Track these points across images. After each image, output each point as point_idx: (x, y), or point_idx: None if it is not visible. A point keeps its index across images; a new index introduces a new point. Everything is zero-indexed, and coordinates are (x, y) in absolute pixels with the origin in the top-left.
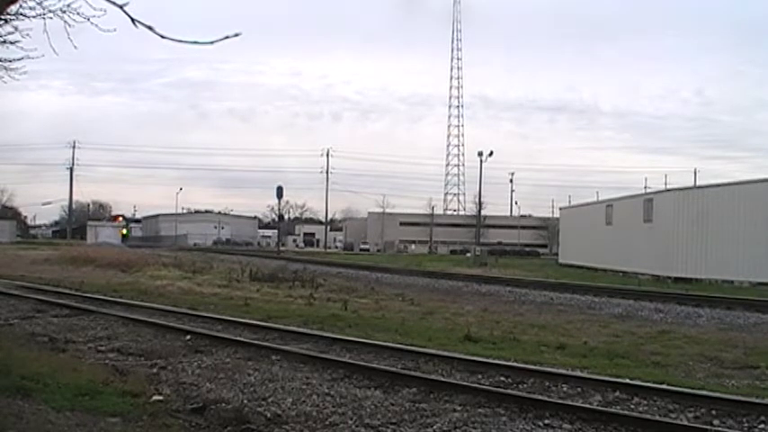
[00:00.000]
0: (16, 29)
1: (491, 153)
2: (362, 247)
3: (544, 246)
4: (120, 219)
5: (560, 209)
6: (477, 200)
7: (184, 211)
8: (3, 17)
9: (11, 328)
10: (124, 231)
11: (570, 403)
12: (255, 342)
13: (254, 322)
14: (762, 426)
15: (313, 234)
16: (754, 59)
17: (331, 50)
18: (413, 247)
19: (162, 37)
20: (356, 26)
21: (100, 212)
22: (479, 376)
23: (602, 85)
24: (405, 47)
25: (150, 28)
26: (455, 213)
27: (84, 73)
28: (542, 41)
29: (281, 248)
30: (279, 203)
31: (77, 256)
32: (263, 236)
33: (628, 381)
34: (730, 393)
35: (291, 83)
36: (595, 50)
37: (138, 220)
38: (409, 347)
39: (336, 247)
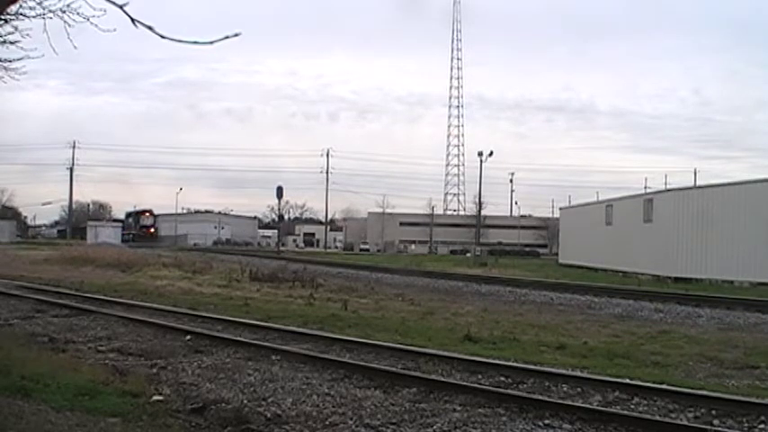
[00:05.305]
0: (16, 29)
1: (491, 153)
2: (362, 247)
3: (544, 246)
4: (148, 214)
5: (560, 209)
6: (477, 200)
7: (184, 211)
8: (3, 17)
9: (11, 328)
10: (152, 230)
11: (570, 403)
12: (255, 342)
13: (254, 322)
14: (762, 426)
15: (313, 234)
16: (752, 59)
17: (327, 50)
18: (413, 247)
19: (162, 37)
20: (352, 26)
21: (100, 212)
22: (479, 376)
23: (599, 85)
24: (400, 46)
25: (150, 28)
26: (455, 213)
27: (80, 72)
28: (539, 41)
29: (281, 248)
30: (279, 203)
31: (77, 256)
32: (263, 236)
33: (628, 381)
34: (730, 393)
35: (288, 82)
36: (592, 50)
37: None
38: (409, 347)
39: (336, 247)
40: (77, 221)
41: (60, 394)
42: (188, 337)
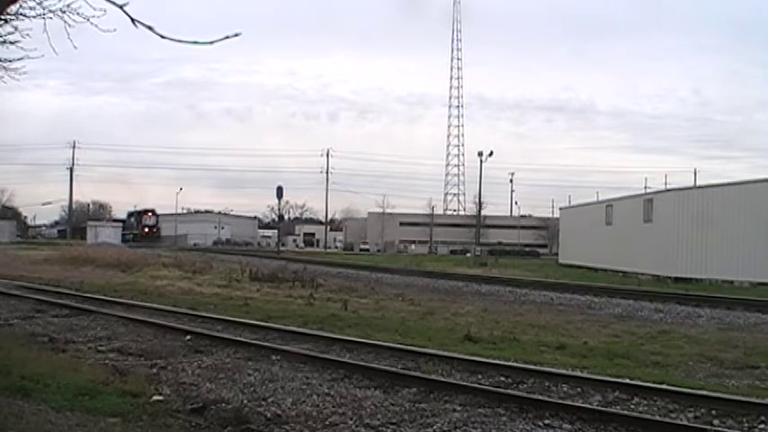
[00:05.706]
0: (16, 29)
1: (491, 153)
2: (362, 247)
3: (544, 246)
4: (150, 214)
5: (560, 209)
6: (477, 200)
7: (184, 211)
8: (3, 17)
9: (11, 328)
10: (155, 230)
11: (570, 403)
12: (255, 342)
13: (254, 322)
14: (762, 426)
15: (313, 234)
16: (752, 59)
17: (327, 50)
18: (413, 247)
19: (162, 37)
20: (352, 26)
21: (100, 212)
22: (479, 376)
23: (599, 85)
24: (400, 46)
25: (150, 28)
26: (455, 213)
27: (79, 72)
28: (539, 41)
29: (281, 248)
30: (279, 203)
31: (77, 256)
32: (263, 236)
33: (628, 381)
34: (730, 393)
35: (288, 82)
36: (592, 50)
37: None
38: (409, 347)
39: (336, 247)
40: (77, 221)
41: (60, 394)
42: (188, 337)
